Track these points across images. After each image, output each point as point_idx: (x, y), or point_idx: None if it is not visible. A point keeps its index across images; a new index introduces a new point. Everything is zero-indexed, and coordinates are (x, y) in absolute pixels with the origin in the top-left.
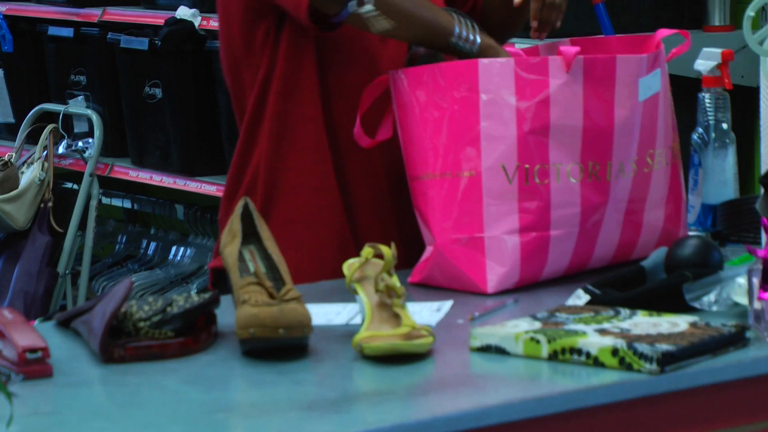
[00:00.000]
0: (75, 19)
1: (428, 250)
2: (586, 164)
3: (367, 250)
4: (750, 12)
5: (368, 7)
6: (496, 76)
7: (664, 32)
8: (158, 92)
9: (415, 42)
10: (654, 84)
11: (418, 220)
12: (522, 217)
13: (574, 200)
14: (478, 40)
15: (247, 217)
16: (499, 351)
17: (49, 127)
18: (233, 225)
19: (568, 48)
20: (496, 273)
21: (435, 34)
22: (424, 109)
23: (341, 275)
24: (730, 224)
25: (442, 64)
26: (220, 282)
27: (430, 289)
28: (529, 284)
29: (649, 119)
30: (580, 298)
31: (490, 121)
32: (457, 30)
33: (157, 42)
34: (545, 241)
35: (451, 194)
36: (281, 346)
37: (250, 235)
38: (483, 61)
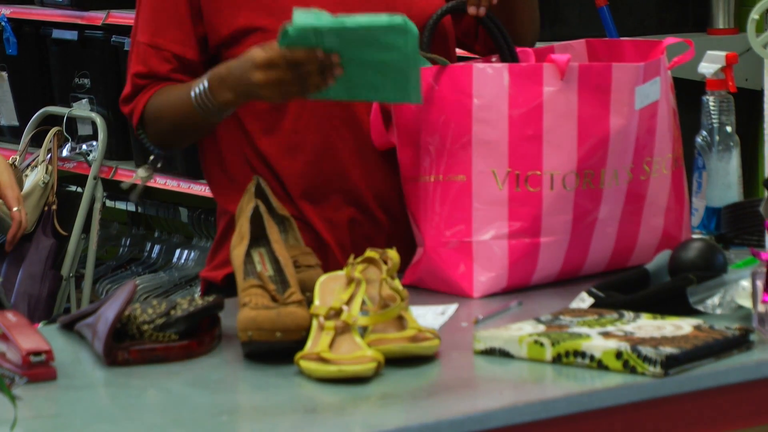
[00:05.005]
0: (79, 21)
1: (418, 253)
2: (581, 172)
3: (371, 253)
4: (754, 15)
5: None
6: (490, 82)
7: (670, 40)
8: None
9: (184, 128)
10: (652, 92)
11: (410, 222)
12: (511, 224)
13: (567, 207)
14: (204, 84)
15: (257, 219)
16: (503, 354)
17: (53, 130)
18: (242, 227)
19: (560, 55)
20: (483, 278)
21: (185, 118)
22: (417, 111)
23: None
24: (734, 227)
25: (436, 68)
26: (210, 291)
27: (431, 292)
28: (518, 289)
29: (647, 127)
30: (584, 300)
31: (482, 126)
32: (193, 95)
33: None
34: (535, 247)
35: (442, 197)
36: (280, 349)
37: (261, 238)
38: (477, 66)
